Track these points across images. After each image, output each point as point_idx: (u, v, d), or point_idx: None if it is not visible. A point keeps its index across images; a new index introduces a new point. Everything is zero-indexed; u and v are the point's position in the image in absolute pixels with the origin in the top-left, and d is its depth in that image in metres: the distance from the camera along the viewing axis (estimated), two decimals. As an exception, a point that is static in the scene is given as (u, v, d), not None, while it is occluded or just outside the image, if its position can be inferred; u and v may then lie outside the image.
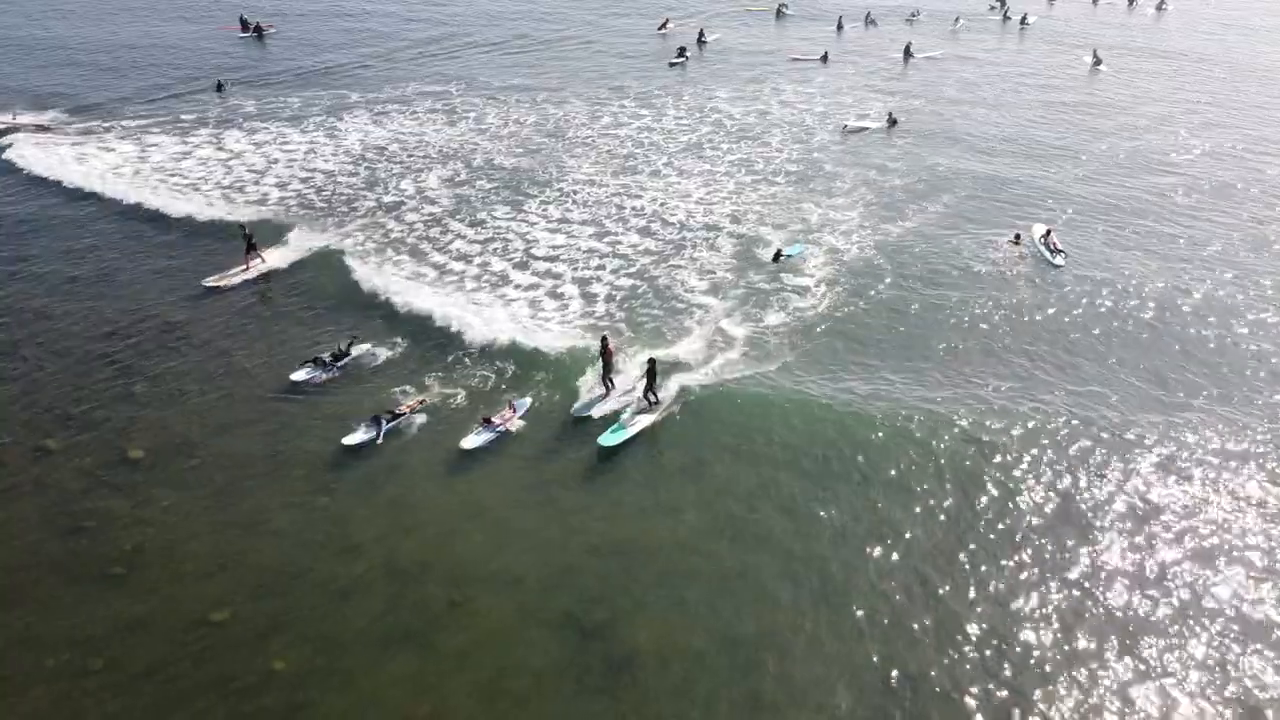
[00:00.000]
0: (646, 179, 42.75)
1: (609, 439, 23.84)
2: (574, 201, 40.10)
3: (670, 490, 22.61)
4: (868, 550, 20.70)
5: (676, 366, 27.31)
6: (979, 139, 49.07)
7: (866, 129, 50.14)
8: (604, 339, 26.18)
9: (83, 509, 21.50)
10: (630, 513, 21.91)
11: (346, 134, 48.74)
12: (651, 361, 25.36)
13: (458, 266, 34.31)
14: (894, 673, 17.76)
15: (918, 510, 21.91)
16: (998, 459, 23.67)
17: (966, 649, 18.29)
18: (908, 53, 66.39)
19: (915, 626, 18.75)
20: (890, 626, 18.73)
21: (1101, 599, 19.48)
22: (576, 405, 25.53)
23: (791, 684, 17.46)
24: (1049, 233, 35.99)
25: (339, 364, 27.32)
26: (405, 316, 30.44)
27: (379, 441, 23.99)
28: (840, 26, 74.81)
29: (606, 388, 25.79)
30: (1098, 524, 21.64)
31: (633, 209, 39.28)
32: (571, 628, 18.57)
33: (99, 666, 17.44)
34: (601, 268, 34.03)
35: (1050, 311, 31.16)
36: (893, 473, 23.10)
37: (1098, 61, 65.40)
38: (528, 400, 25.84)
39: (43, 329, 29.67)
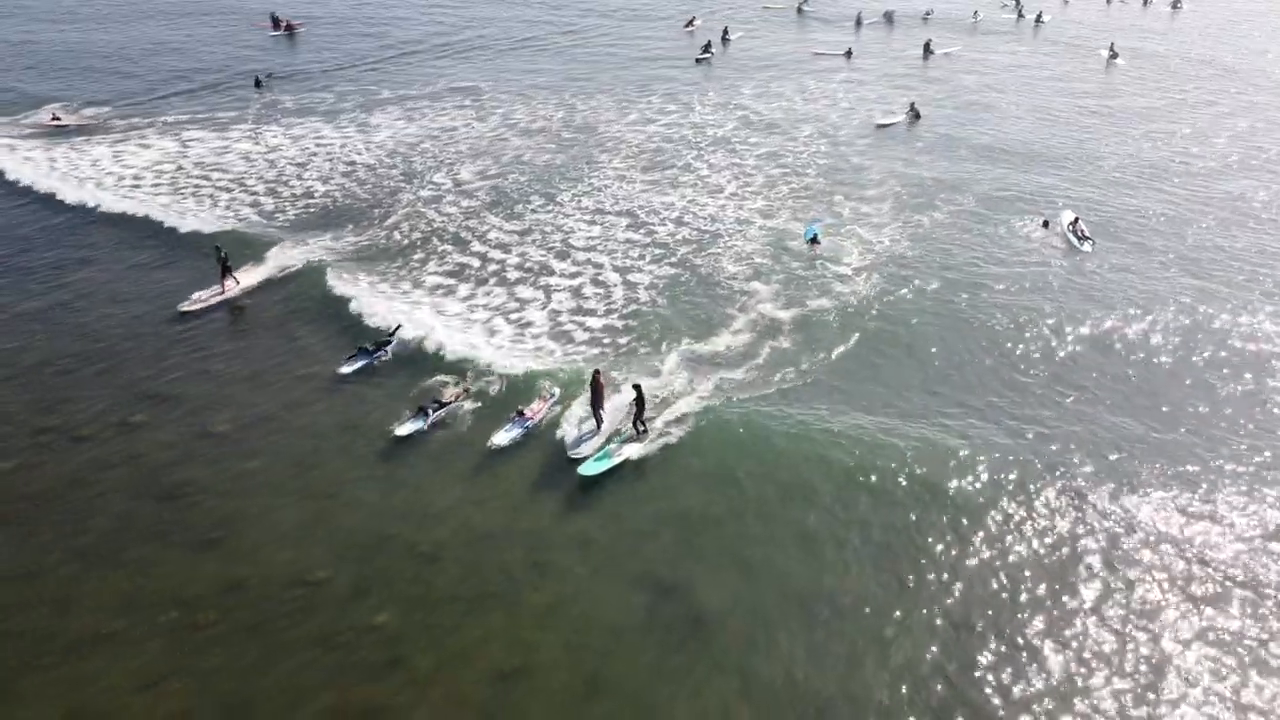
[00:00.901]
0: (678, 172, 43.86)
1: (590, 468, 23.20)
2: (607, 194, 41.16)
3: (722, 472, 23.64)
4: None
5: (713, 365, 28.06)
6: (1001, 133, 50.17)
7: (895, 123, 51.33)
8: (595, 373, 24.99)
9: (173, 480, 22.66)
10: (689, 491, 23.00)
11: (379, 129, 49.91)
12: (638, 389, 24.47)
13: (498, 255, 35.32)
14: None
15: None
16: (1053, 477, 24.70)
17: (1024, 613, 19.36)
18: (927, 49, 67.56)
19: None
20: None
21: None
22: (569, 444, 24.38)
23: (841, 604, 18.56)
24: (1076, 220, 37.09)
25: (384, 349, 28.06)
26: (447, 310, 31.44)
27: (426, 429, 24.81)
28: (859, 23, 76.15)
29: (597, 421, 24.68)
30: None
31: (663, 203, 40.32)
32: (647, 587, 19.67)
33: (208, 620, 18.57)
34: (641, 257, 35.11)
35: (1086, 310, 32.18)
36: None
37: (1114, 55, 66.56)
38: (557, 391, 26.22)
39: (117, 311, 30.98)
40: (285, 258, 34.80)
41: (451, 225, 37.93)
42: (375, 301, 31.51)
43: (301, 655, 17.91)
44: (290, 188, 42.06)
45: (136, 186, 41.82)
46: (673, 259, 34.91)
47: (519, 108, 53.44)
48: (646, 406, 24.61)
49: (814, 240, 35.55)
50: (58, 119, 49.26)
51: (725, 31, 69.92)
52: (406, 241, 36.58)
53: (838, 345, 28.93)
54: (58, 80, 57.38)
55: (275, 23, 68.41)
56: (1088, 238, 36.15)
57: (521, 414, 24.93)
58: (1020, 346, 29.06)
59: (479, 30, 72.16)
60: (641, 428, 24.45)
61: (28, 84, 56.46)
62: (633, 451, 23.88)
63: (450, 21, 74.83)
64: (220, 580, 19.59)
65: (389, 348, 28.33)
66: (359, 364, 27.68)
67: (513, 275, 33.85)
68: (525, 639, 18.43)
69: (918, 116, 51.82)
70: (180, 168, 44.21)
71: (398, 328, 29.21)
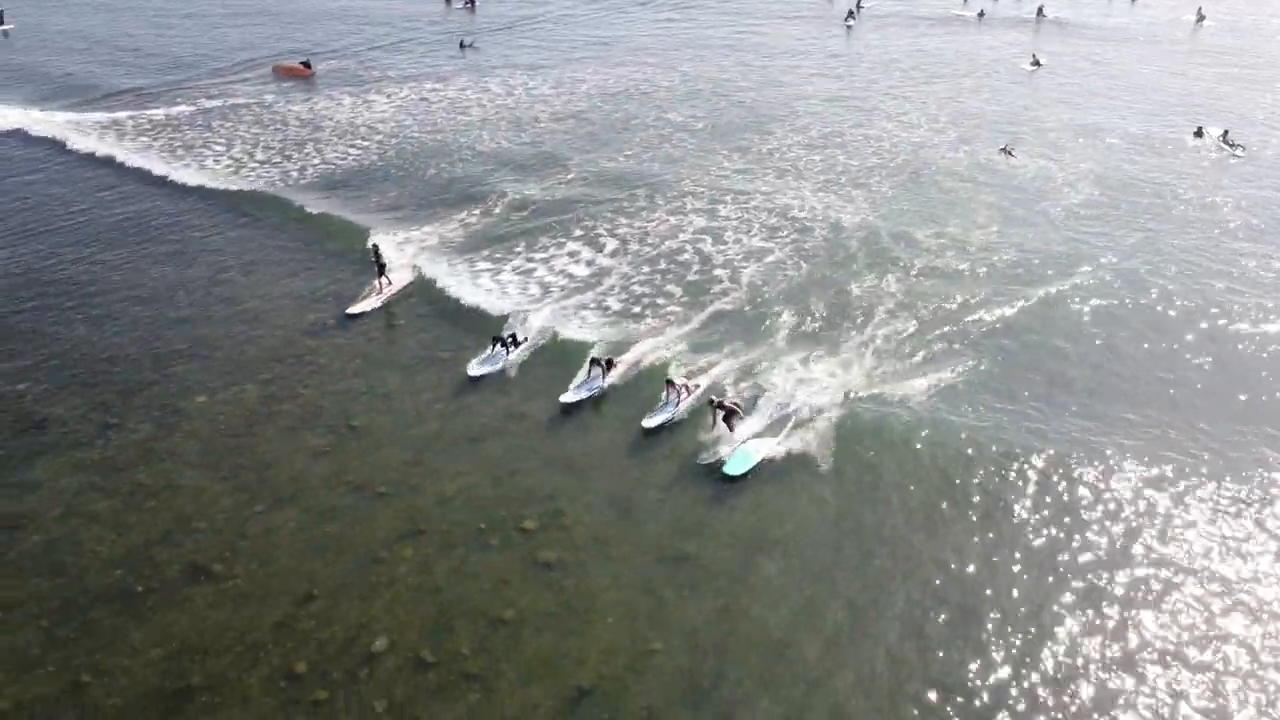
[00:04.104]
0: (870, 114, 50.74)
1: (735, 467, 22.68)
2: (815, 130, 47.81)
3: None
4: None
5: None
6: (1113, 82, 56.91)
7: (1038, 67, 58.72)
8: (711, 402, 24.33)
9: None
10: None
11: (583, 80, 57.27)
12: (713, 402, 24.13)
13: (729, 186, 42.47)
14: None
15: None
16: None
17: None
18: (1040, 13, 74.08)
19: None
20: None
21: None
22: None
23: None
24: (1226, 132, 43.83)
25: (517, 345, 27.54)
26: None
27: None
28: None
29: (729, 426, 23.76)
30: None
31: (865, 135, 47.23)
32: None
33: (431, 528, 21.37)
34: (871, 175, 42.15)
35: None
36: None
37: (1201, 18, 72.45)
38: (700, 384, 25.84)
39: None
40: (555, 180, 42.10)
41: (690, 156, 44.99)
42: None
43: (481, 544, 24.82)
44: (530, 129, 49.35)
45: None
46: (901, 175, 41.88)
47: (695, 65, 60.66)
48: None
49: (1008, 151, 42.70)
50: (308, 65, 57.58)
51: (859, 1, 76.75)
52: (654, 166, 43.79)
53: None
54: (306, 37, 65.42)
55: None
56: (1239, 145, 42.92)
57: (672, 384, 24.96)
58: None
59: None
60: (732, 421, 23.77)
61: (285, 39, 64.53)
62: (768, 449, 23.24)
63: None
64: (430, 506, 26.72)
65: (521, 345, 27.63)
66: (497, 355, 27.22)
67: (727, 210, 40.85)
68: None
69: (1038, 64, 59.12)
70: (424, 99, 51.92)
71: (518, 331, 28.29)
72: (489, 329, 28.62)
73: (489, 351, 27.31)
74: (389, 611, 19.12)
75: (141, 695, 17.35)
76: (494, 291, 31.67)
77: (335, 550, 20.65)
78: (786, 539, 20.97)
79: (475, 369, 26.82)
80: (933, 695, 17.28)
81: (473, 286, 31.95)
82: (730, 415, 23.82)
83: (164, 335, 28.93)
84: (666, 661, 18.07)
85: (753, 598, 19.47)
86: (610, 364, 26.18)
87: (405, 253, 33.91)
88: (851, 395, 25.41)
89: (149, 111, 50.26)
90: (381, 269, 31.07)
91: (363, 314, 30.09)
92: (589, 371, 26.22)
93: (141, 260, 33.92)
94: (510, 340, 27.45)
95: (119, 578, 19.85)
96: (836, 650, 18.27)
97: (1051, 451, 23.16)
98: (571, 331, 28.97)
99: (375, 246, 32.18)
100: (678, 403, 24.79)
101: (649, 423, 24.40)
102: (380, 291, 30.80)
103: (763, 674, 17.80)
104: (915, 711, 16.99)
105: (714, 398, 24.50)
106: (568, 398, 25.46)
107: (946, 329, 28.89)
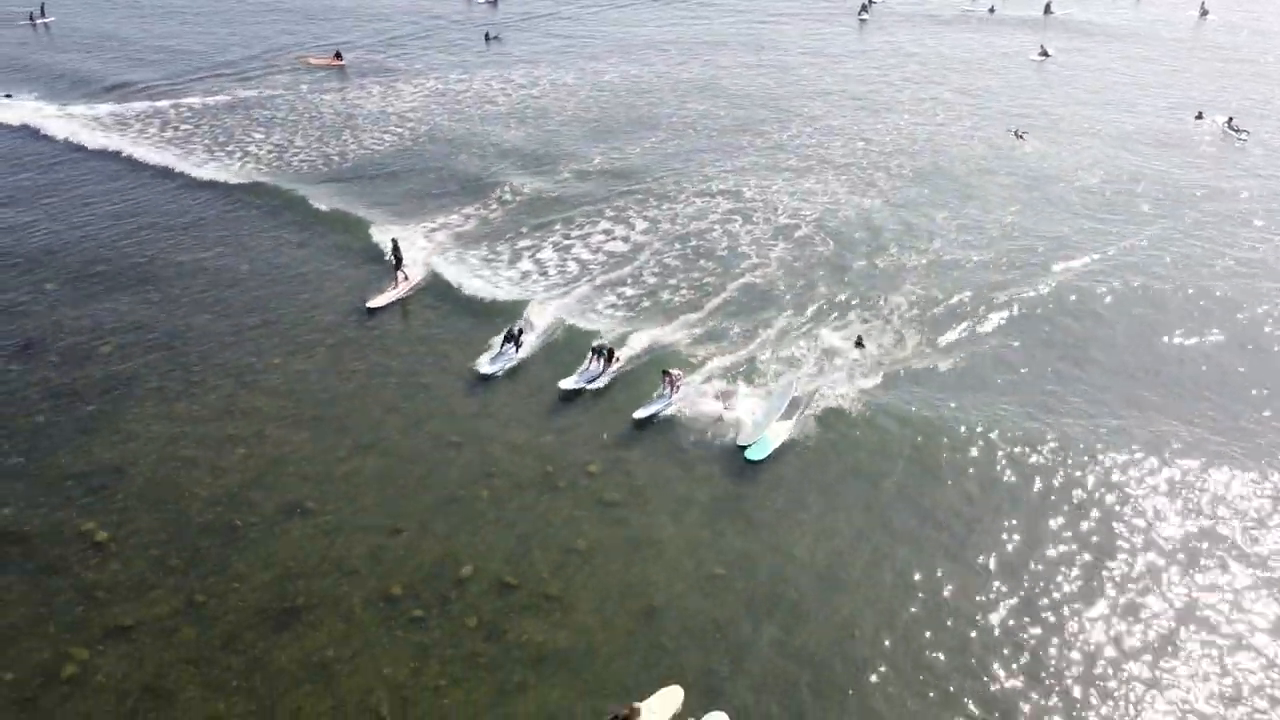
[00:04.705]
0: (887, 102, 52.62)
1: (756, 453, 23.62)
2: (836, 116, 49.55)
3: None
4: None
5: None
6: (1118, 73, 58.69)
7: (1046, 58, 60.70)
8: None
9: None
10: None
11: (606, 71, 58.99)
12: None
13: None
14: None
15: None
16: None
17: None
18: (1047, 9, 75.91)
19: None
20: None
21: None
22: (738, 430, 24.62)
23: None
24: (1231, 119, 45.67)
25: (520, 340, 27.92)
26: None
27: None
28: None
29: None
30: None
31: (886, 127, 49.20)
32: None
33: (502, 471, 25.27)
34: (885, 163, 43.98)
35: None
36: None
37: (1204, 13, 74.39)
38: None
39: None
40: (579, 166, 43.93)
41: (717, 140, 46.86)
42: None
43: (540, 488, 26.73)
44: (550, 117, 51.12)
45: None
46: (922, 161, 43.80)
47: (714, 57, 62.44)
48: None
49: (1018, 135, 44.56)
50: (339, 56, 59.23)
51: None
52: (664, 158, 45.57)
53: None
54: (332, 31, 67.06)
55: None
56: (1244, 130, 44.76)
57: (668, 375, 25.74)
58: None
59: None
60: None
61: (312, 34, 66.21)
62: (785, 431, 24.22)
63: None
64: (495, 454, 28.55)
65: (521, 341, 27.97)
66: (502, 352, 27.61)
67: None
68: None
69: (1046, 55, 61.21)
70: (444, 93, 53.63)
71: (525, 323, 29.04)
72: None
73: (498, 350, 27.69)
74: (471, 542, 20.90)
75: (253, 612, 19.11)
76: (531, 273, 33.16)
77: (416, 490, 22.45)
78: (830, 485, 22.84)
79: (486, 367, 27.06)
80: (950, 622, 19.11)
81: (511, 269, 33.42)
82: (727, 396, 25.20)
83: (230, 309, 30.53)
84: (729, 584, 19.86)
85: (801, 534, 21.28)
86: (612, 354, 26.87)
87: (434, 240, 35.30)
88: (870, 373, 27.14)
89: (188, 100, 51.79)
90: (399, 263, 31.56)
91: (388, 305, 30.76)
92: (590, 361, 26.98)
93: (192, 244, 35.28)
94: (518, 334, 27.84)
95: (220, 513, 21.62)
96: (876, 574, 20.12)
97: (1062, 430, 24.98)
98: (598, 320, 30.03)
99: (395, 241, 32.50)
100: (671, 394, 25.44)
101: (640, 414, 24.97)
102: (396, 285, 31.22)
103: (815, 594, 19.61)
104: (950, 621, 18.85)
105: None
106: (567, 384, 26.25)
107: (966, 308, 30.61)
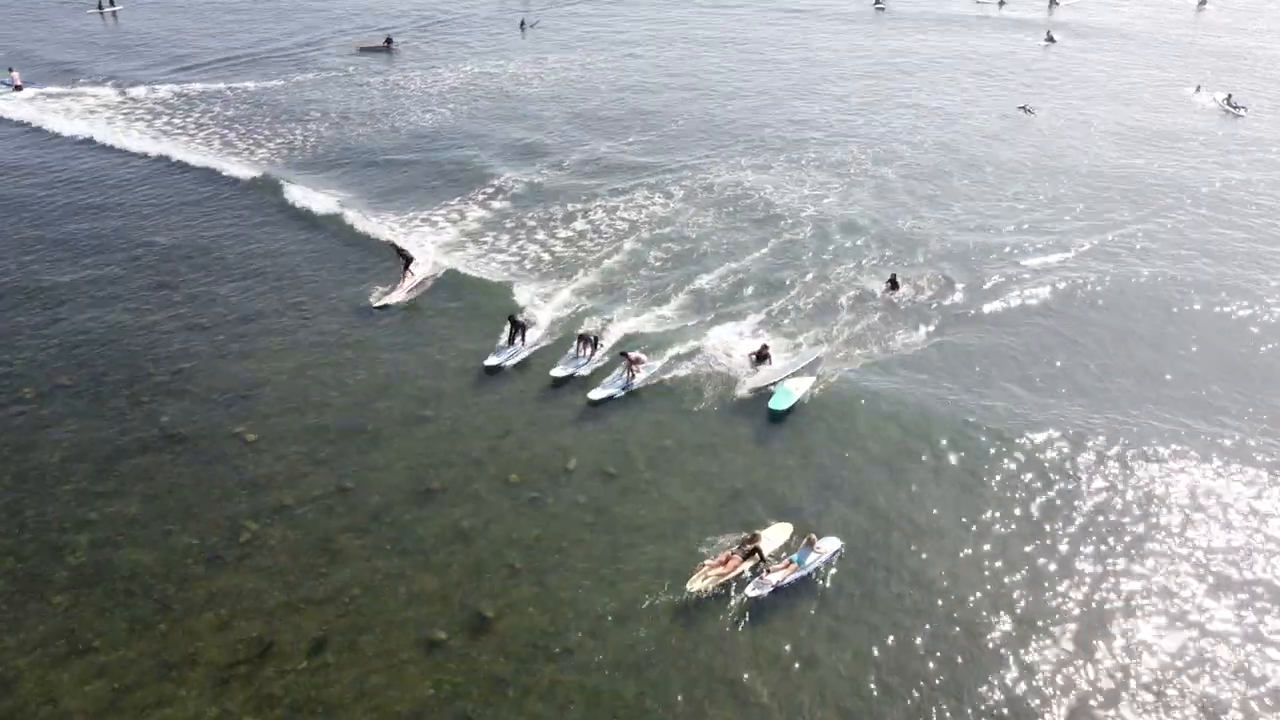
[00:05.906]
0: (907, 80, 55.95)
1: (778, 403, 25.22)
2: (861, 99, 53.05)
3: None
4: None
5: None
6: (1121, 55, 62.05)
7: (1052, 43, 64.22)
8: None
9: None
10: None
11: (639, 58, 62.24)
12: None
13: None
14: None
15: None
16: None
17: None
18: (1053, 1, 79.49)
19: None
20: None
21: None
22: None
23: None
24: (1230, 95, 49.05)
25: (524, 334, 28.22)
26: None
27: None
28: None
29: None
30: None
31: (901, 103, 52.46)
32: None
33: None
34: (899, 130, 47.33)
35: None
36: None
37: (1203, 2, 77.90)
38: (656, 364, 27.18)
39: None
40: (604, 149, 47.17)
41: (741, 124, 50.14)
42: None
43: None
44: (586, 99, 54.36)
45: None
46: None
47: (742, 43, 65.71)
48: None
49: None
50: (390, 41, 62.60)
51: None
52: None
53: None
54: (372, 18, 70.18)
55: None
56: (1242, 106, 48.17)
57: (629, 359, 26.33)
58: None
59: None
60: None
61: (355, 20, 69.25)
62: (804, 386, 25.94)
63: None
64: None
65: (524, 334, 28.20)
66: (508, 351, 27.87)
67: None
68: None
69: (1052, 40, 64.99)
70: (493, 76, 56.87)
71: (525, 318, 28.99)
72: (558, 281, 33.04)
73: (502, 342, 28.17)
74: (573, 442, 24.31)
75: (396, 494, 22.47)
76: (572, 239, 35.76)
77: (518, 403, 25.81)
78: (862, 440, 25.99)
79: (491, 359, 27.48)
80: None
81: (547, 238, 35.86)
82: (761, 357, 26.70)
83: (334, 262, 33.90)
84: (793, 475, 23.28)
85: (845, 462, 24.37)
86: (596, 341, 27.62)
87: (493, 207, 38.16)
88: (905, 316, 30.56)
89: (243, 84, 54.98)
90: (407, 262, 31.68)
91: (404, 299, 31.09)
92: (578, 348, 27.51)
93: (243, 225, 37.04)
94: (522, 330, 28.19)
95: (352, 417, 25.02)
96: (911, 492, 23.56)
97: (1063, 417, 27.89)
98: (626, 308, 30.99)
99: (392, 244, 33.14)
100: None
101: (557, 372, 26.70)
102: (413, 281, 31.38)
103: (876, 480, 23.04)
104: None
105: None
106: (557, 372, 26.95)
107: (974, 283, 33.04)
